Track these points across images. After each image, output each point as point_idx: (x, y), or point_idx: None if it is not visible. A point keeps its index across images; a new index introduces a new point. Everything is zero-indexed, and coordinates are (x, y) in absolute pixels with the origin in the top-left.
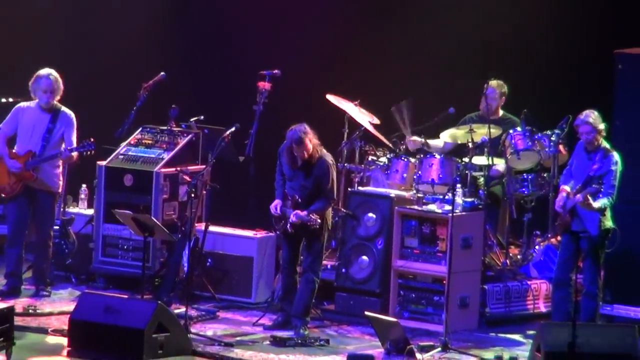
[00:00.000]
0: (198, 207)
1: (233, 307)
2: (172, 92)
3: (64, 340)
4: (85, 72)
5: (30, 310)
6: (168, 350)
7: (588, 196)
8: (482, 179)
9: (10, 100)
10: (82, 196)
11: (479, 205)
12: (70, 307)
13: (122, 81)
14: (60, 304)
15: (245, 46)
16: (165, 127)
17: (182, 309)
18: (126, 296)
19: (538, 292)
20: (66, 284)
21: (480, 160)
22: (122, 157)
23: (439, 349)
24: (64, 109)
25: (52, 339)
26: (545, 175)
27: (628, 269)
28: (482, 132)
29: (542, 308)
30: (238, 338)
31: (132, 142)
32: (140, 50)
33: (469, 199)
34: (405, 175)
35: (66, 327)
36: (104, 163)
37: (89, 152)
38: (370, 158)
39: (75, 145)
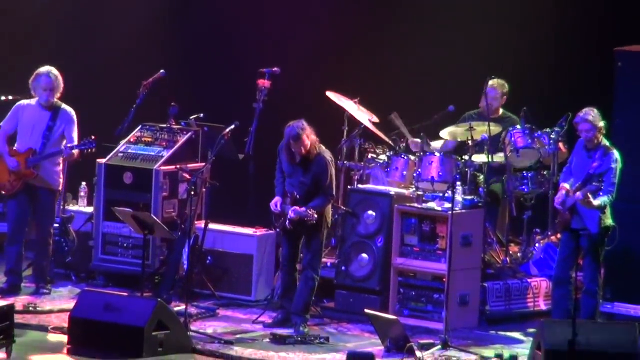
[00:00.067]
0: (198, 205)
1: (233, 304)
2: (172, 90)
3: (64, 338)
4: (85, 70)
5: (31, 308)
6: (168, 348)
7: (588, 194)
8: (482, 177)
9: (10, 98)
10: (82, 194)
11: (479, 203)
12: (71, 305)
13: (121, 79)
14: (61, 301)
15: (245, 44)
16: (165, 125)
17: (182, 307)
18: (126, 294)
19: (538, 290)
20: (66, 282)
21: (480, 158)
22: (121, 155)
23: (439, 347)
24: (64, 106)
25: (52, 337)
26: (545, 173)
27: (628, 267)
28: (482, 130)
29: (543, 306)
30: (238, 336)
31: (131, 140)
32: (140, 48)
33: (469, 197)
34: (405, 173)
35: (66, 325)
36: (103, 161)
37: (90, 150)
38: (370, 156)
39: (76, 142)
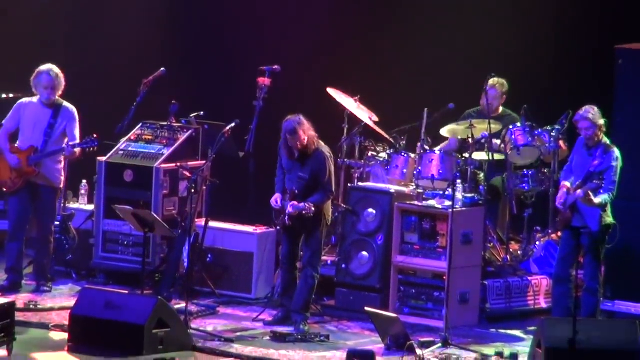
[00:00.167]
0: (198, 202)
1: (233, 302)
2: (172, 87)
3: (64, 336)
4: (86, 68)
5: (31, 306)
6: (168, 345)
7: (589, 192)
8: (482, 174)
9: (11, 96)
10: (83, 192)
11: (479, 201)
12: (71, 302)
13: (122, 77)
14: (61, 299)
15: (246, 42)
16: (165, 123)
17: (182, 305)
18: (126, 292)
19: (539, 288)
20: (67, 280)
21: (480, 156)
22: (122, 152)
23: (439, 344)
24: (65, 103)
25: (53, 335)
26: (545, 171)
27: (629, 265)
28: (482, 128)
29: (543, 304)
30: (238, 334)
31: (132, 138)
32: (140, 46)
33: (469, 195)
34: (405, 170)
35: (67, 323)
36: (104, 159)
37: (92, 148)
38: (370, 154)
39: (78, 139)
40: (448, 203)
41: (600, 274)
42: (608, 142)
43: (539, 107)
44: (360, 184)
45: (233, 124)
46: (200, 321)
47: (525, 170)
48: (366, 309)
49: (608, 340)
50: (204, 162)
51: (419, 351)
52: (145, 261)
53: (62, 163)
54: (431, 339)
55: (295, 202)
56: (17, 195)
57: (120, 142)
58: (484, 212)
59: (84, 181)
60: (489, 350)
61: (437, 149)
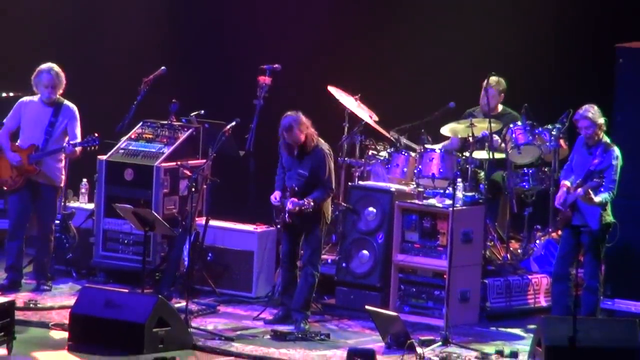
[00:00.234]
0: (198, 201)
1: (233, 301)
2: (172, 86)
3: (64, 335)
4: (86, 66)
5: (31, 305)
6: (168, 344)
7: (589, 190)
8: (482, 173)
9: (12, 94)
10: (83, 190)
11: (479, 199)
12: (71, 301)
13: (122, 76)
14: (61, 298)
15: (246, 41)
16: (165, 122)
17: (183, 303)
18: (127, 290)
19: (539, 287)
20: (67, 279)
21: (480, 154)
22: (122, 151)
23: (440, 343)
24: (66, 102)
25: (53, 334)
26: (546, 169)
27: (629, 263)
28: (482, 127)
29: (543, 302)
30: (238, 332)
31: (132, 137)
32: (140, 45)
33: (469, 193)
34: (405, 169)
35: (67, 322)
36: (104, 157)
37: (92, 147)
38: (370, 152)
39: (79, 137)
40: (448, 202)
41: (601, 273)
42: (608, 140)
43: (540, 106)
44: (360, 182)
45: (233, 123)
46: (200, 320)
47: (525, 168)
48: (366, 307)
49: (608, 338)
50: (204, 160)
51: (419, 350)
52: (145, 260)
53: (63, 162)
54: (431, 337)
55: (295, 199)
56: (18, 194)
57: (121, 140)
58: (484, 210)
59: (85, 180)
60: (489, 348)
61: (438, 146)
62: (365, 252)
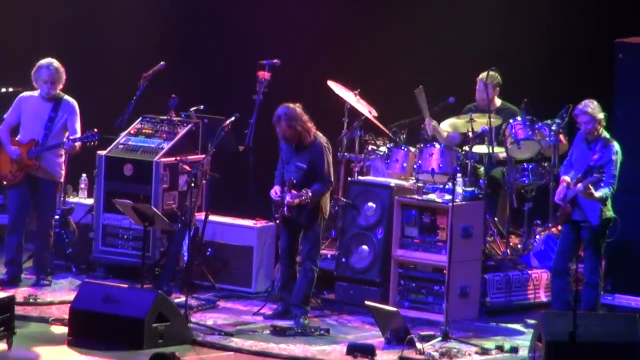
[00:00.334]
0: (198, 196)
1: (233, 296)
2: (171, 81)
3: (64, 330)
4: (85, 62)
5: (31, 300)
6: (168, 339)
7: (589, 185)
8: (482, 168)
9: (12, 90)
10: (82, 186)
11: (479, 194)
12: (71, 296)
13: (121, 71)
14: (61, 293)
15: (245, 36)
16: (165, 117)
17: (182, 299)
18: (126, 286)
19: (539, 282)
20: (66, 274)
21: (480, 149)
22: (122, 146)
23: (440, 338)
24: (66, 97)
25: (52, 329)
26: (545, 164)
27: (629, 258)
28: (482, 122)
29: (543, 297)
30: (238, 327)
31: (132, 132)
32: (140, 40)
33: (469, 189)
34: (405, 164)
35: (67, 317)
36: (104, 153)
37: (92, 143)
38: (370, 147)
39: (79, 132)
40: (448, 197)
41: (601, 268)
42: (607, 136)
43: (539, 101)
44: (360, 177)
45: (233, 118)
46: (200, 315)
47: (525, 164)
48: (366, 302)
49: (608, 333)
50: (203, 156)
51: (419, 345)
52: (145, 255)
53: (63, 157)
54: (431, 332)
55: (294, 191)
56: (17, 189)
57: (120, 136)
58: (484, 205)
59: (84, 175)
60: (489, 343)
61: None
62: (364, 247)
